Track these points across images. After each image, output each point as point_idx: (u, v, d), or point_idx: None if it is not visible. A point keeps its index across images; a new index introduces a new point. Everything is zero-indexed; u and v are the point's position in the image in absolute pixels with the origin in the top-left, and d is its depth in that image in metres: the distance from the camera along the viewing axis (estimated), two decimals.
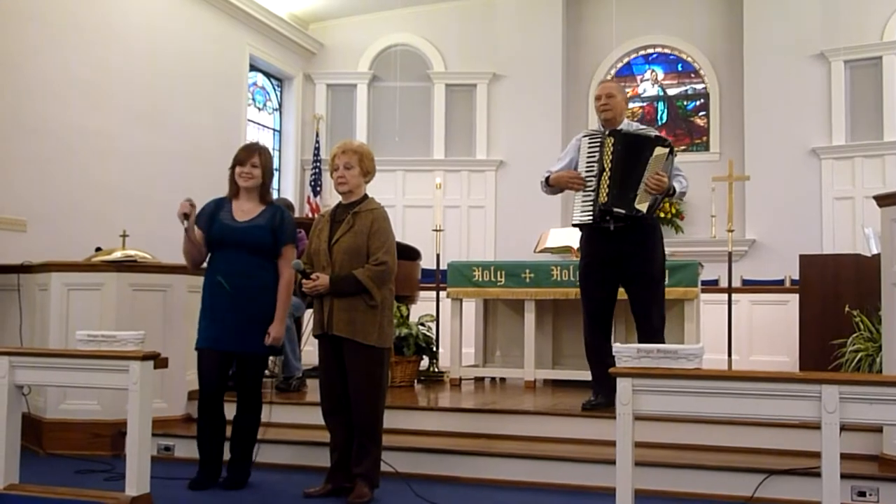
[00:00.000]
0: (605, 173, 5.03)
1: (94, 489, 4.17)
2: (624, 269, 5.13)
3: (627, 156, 5.01)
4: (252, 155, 4.55)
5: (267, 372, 7.14)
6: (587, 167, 5.13)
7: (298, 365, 6.37)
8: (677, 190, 5.10)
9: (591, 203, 5.07)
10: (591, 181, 5.09)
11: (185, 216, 4.41)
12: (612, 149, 5.04)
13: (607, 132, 5.13)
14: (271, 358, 7.26)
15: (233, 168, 4.58)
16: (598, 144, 5.12)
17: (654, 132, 5.20)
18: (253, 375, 4.56)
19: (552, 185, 5.30)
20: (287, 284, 4.52)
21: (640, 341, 5.00)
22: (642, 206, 4.95)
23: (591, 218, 5.08)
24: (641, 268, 5.12)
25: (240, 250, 4.46)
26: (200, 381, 4.52)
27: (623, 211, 4.97)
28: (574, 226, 5.31)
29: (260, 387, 4.63)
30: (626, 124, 5.23)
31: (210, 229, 4.51)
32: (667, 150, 5.00)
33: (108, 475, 4.72)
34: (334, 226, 4.33)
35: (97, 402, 5.40)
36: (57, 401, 5.46)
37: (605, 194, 5.00)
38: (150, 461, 3.90)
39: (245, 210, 4.54)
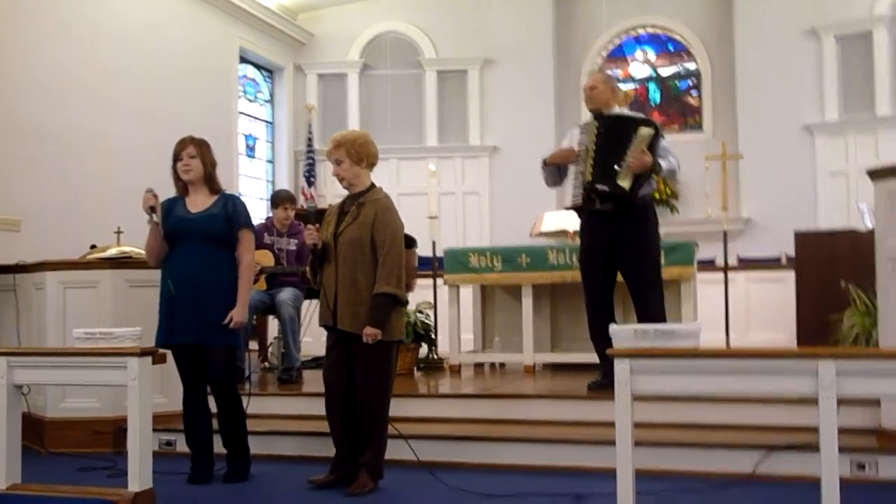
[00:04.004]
0: (590, 154, 5.21)
1: (97, 486, 4.17)
2: (617, 252, 5.24)
3: (610, 136, 5.19)
4: (185, 146, 4.51)
5: (267, 364, 7.16)
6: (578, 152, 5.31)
7: (298, 356, 6.38)
8: (664, 167, 5.19)
9: (580, 185, 5.24)
10: (580, 164, 5.25)
11: (152, 209, 4.40)
12: (596, 131, 5.25)
13: (594, 118, 5.34)
14: (270, 350, 7.27)
15: (174, 167, 4.56)
16: (586, 131, 5.32)
17: (641, 116, 5.33)
18: (222, 371, 4.50)
19: (549, 164, 5.42)
20: (248, 268, 4.49)
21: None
22: (625, 183, 5.08)
23: (580, 199, 5.24)
24: (633, 251, 5.23)
25: (196, 241, 4.43)
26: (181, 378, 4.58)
27: (606, 188, 5.11)
28: (567, 209, 5.53)
29: (233, 381, 4.59)
30: (619, 111, 5.43)
31: (166, 224, 4.48)
32: (651, 130, 5.12)
33: (110, 472, 4.73)
34: (341, 217, 4.36)
35: (97, 399, 5.40)
36: (57, 399, 5.46)
37: (589, 173, 5.19)
38: (152, 457, 3.90)
39: (197, 203, 4.53)
